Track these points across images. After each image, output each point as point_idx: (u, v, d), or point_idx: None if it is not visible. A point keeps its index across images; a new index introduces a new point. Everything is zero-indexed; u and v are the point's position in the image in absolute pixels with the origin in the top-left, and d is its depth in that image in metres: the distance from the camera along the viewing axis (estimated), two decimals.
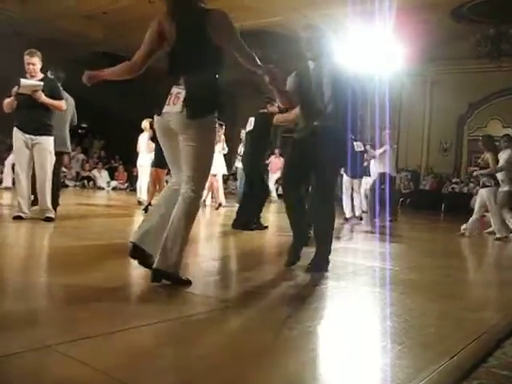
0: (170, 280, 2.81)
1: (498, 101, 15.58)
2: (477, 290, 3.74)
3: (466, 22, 13.08)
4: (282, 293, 3.06)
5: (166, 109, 2.84)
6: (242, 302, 2.73)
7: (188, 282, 2.87)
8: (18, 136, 5.50)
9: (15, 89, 5.40)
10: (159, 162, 7.22)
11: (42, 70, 5.64)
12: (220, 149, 9.24)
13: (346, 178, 9.10)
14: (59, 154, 6.05)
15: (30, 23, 13.65)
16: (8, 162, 11.05)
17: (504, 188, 7.20)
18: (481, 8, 11.96)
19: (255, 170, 6.40)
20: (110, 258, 3.76)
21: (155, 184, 7.74)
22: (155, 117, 2.98)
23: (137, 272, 3.11)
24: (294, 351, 1.98)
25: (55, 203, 5.99)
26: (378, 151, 8.38)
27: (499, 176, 7.23)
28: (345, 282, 3.52)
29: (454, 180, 15.74)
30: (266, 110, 6.36)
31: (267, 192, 7.15)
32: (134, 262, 3.01)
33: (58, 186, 6.25)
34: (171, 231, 2.81)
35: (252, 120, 6.60)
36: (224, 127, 9.09)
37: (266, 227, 6.37)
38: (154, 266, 2.80)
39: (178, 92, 2.80)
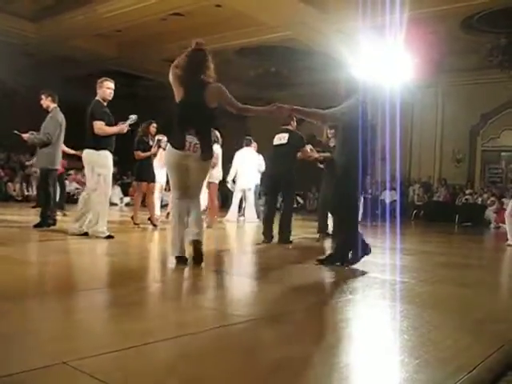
0: None
1: (511, 111, 15.48)
2: (494, 302, 3.69)
3: (476, 33, 13.06)
4: (298, 307, 3.05)
5: (187, 152, 3.98)
6: (259, 316, 2.72)
7: None
8: (111, 159, 6.07)
9: (129, 121, 6.25)
10: (146, 176, 7.72)
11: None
12: None
13: None
14: (50, 171, 6.63)
15: (43, 42, 13.90)
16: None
17: None
18: (490, 18, 11.94)
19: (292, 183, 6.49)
20: (128, 274, 3.78)
21: (139, 198, 7.95)
22: (174, 149, 4.00)
23: (152, 287, 3.11)
24: (310, 366, 1.98)
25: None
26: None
27: None
28: (360, 296, 3.50)
29: (467, 191, 15.58)
30: (290, 127, 6.38)
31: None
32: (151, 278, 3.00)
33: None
34: None
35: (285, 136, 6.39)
36: None
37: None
38: None
39: (196, 143, 3.98)
